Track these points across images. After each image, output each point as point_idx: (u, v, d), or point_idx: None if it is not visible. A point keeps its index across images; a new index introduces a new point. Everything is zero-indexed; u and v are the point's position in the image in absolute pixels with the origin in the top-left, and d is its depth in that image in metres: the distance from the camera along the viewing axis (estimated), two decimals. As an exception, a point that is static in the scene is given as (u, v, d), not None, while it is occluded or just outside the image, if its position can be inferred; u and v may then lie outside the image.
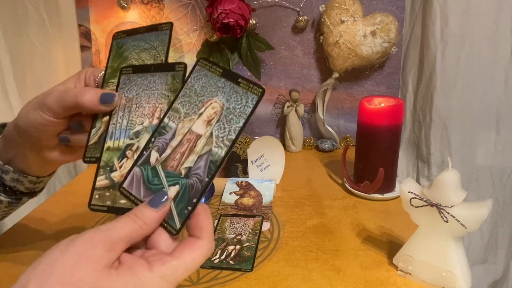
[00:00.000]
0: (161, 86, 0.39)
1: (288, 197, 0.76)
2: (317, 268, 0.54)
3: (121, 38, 0.45)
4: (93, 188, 0.39)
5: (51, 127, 0.43)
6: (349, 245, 0.59)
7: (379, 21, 0.87)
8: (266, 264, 0.55)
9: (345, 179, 0.79)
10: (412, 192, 0.49)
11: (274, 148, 0.82)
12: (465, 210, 0.46)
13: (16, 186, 0.49)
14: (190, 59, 0.98)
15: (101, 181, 0.39)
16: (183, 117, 0.36)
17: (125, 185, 0.36)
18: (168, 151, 0.35)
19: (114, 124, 0.40)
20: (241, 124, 0.33)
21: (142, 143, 0.37)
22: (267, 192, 0.73)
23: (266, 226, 0.65)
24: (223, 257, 0.57)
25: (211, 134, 0.34)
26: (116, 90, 0.41)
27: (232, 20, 0.86)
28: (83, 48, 0.99)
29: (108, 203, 0.38)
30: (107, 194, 0.38)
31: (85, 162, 0.42)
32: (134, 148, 0.38)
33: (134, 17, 0.98)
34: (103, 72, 0.45)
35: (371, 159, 0.74)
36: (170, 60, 0.40)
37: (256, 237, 0.61)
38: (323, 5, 0.91)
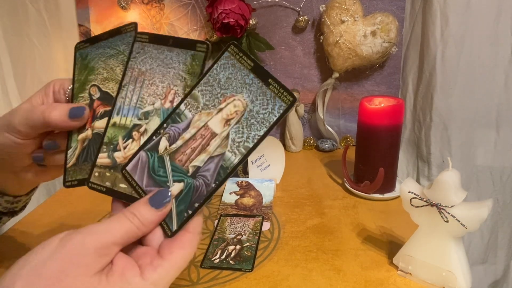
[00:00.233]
0: (178, 65, 0.35)
1: (288, 197, 0.76)
2: (317, 268, 0.54)
3: (84, 48, 0.42)
4: (94, 164, 0.37)
5: (22, 148, 0.40)
6: (349, 245, 0.59)
7: (379, 21, 0.87)
8: (266, 264, 0.55)
9: (345, 179, 0.79)
10: (412, 192, 0.49)
11: (274, 148, 0.82)
12: (465, 210, 0.46)
13: None
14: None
15: (103, 158, 0.36)
16: (201, 108, 0.33)
17: (128, 167, 0.34)
18: (179, 142, 0.33)
19: (123, 98, 0.37)
20: (261, 133, 0.30)
21: (150, 126, 0.35)
22: (267, 192, 0.73)
23: (266, 226, 0.65)
24: (223, 257, 0.57)
25: (228, 136, 0.31)
26: (128, 58, 0.38)
27: (232, 20, 0.86)
28: (83, 48, 0.99)
29: (108, 184, 0.36)
30: (108, 174, 0.36)
31: (66, 187, 0.39)
32: (142, 130, 0.35)
33: (134, 17, 0.98)
34: (71, 86, 0.41)
35: (371, 159, 0.74)
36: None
37: (256, 237, 0.61)
38: (323, 5, 0.91)
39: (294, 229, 0.64)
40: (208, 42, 0.34)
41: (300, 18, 0.95)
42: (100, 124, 0.38)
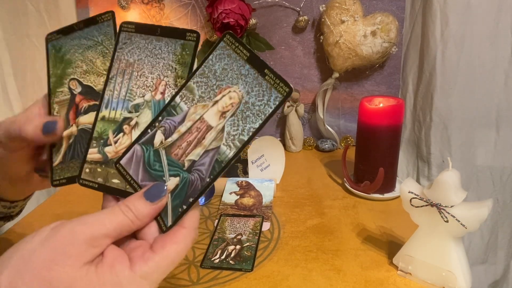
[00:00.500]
0: (168, 55, 0.34)
1: (288, 197, 0.76)
2: (317, 268, 0.54)
3: (57, 39, 0.40)
4: (84, 160, 0.36)
5: (11, 160, 0.38)
6: (349, 245, 0.59)
7: (379, 21, 0.87)
8: (266, 264, 0.55)
9: (345, 179, 0.79)
10: (412, 192, 0.49)
11: (274, 148, 0.82)
12: (465, 210, 0.46)
13: None
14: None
15: (93, 154, 0.35)
16: (196, 101, 0.32)
17: (122, 161, 0.33)
18: (175, 136, 0.32)
19: (111, 90, 0.36)
20: (257, 125, 0.30)
21: (141, 119, 0.34)
22: (267, 192, 0.73)
23: (266, 226, 0.65)
24: (223, 257, 0.57)
25: (223, 129, 0.31)
26: (115, 49, 0.36)
27: (232, 20, 0.86)
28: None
29: (100, 180, 0.35)
30: (99, 170, 0.35)
31: (54, 186, 0.38)
32: (133, 123, 0.34)
33: (134, 17, 0.98)
34: (46, 93, 0.40)
35: (371, 159, 0.74)
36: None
37: (256, 237, 0.61)
38: (323, 5, 0.91)
39: (294, 229, 0.64)
40: (197, 31, 0.34)
41: (300, 18, 0.95)
42: (85, 119, 0.37)
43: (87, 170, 0.36)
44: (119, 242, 0.31)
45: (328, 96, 0.98)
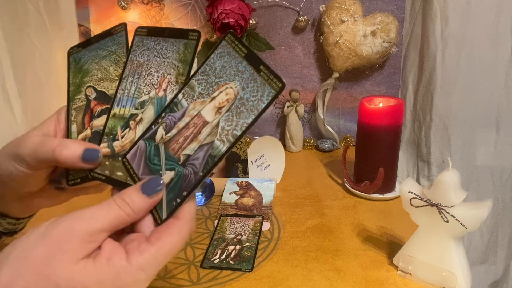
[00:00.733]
0: (172, 54, 0.36)
1: (288, 197, 0.76)
2: (317, 268, 0.54)
3: (77, 52, 0.43)
4: None
5: (30, 177, 0.38)
6: (349, 245, 0.59)
7: (379, 21, 0.87)
8: (266, 264, 0.55)
9: (345, 179, 0.79)
10: (412, 192, 0.49)
11: (274, 148, 0.82)
12: (465, 210, 0.46)
13: None
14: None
15: (103, 148, 0.37)
16: (196, 97, 0.33)
17: (128, 156, 0.35)
18: (174, 131, 0.33)
19: (122, 90, 0.38)
20: (250, 120, 0.30)
21: (146, 115, 0.36)
22: (267, 192, 0.73)
23: (266, 226, 0.65)
24: (223, 257, 0.57)
25: (218, 124, 0.31)
26: (129, 52, 0.39)
27: (232, 20, 0.86)
28: (83, 48, 0.99)
29: (107, 172, 0.37)
30: (107, 163, 0.37)
31: (69, 185, 0.39)
32: (138, 119, 0.36)
33: (134, 17, 0.98)
34: (65, 105, 0.42)
35: (371, 159, 0.74)
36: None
37: (256, 237, 0.61)
38: (323, 5, 0.91)
39: (294, 229, 0.64)
40: (199, 30, 0.35)
41: (300, 18, 0.95)
42: (98, 122, 0.39)
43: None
44: (116, 234, 0.31)
45: (328, 96, 0.98)
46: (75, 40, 0.98)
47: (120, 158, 0.36)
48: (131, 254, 0.29)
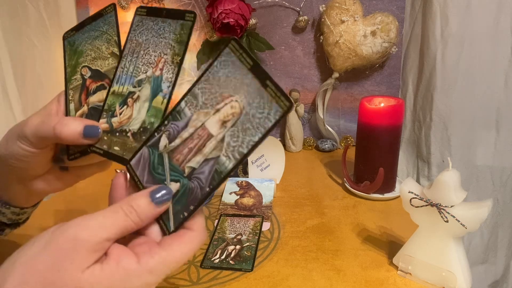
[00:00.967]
0: (169, 34, 0.37)
1: (288, 197, 0.76)
2: (317, 268, 0.54)
3: (71, 36, 0.45)
4: None
5: (35, 157, 0.39)
6: (349, 245, 0.59)
7: (379, 21, 0.87)
8: (266, 264, 0.55)
9: (345, 179, 0.79)
10: (412, 192, 0.49)
11: (274, 148, 0.82)
12: (465, 210, 0.46)
13: None
14: (190, 59, 0.98)
15: (102, 124, 0.39)
16: (199, 107, 0.32)
17: (132, 162, 0.35)
18: (178, 141, 0.33)
19: (122, 68, 0.39)
20: (256, 139, 0.29)
21: (143, 93, 0.37)
22: (267, 192, 0.73)
23: (266, 226, 0.65)
24: (223, 257, 0.57)
25: (223, 139, 0.30)
26: (129, 31, 0.40)
27: (232, 20, 0.86)
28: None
29: (105, 147, 0.38)
30: (105, 138, 0.38)
31: (70, 160, 0.41)
32: (135, 97, 0.38)
33: (134, 17, 0.98)
34: (63, 90, 0.44)
35: (371, 159, 0.74)
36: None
37: (256, 237, 0.61)
38: (323, 5, 0.91)
39: (294, 229, 0.64)
40: (195, 12, 0.36)
41: (300, 18, 0.95)
42: (94, 99, 0.41)
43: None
44: (122, 239, 0.31)
45: (328, 96, 0.98)
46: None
47: (125, 165, 0.37)
48: (142, 257, 0.29)
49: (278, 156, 0.83)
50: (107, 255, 0.29)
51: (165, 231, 0.32)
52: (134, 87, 0.38)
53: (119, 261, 0.28)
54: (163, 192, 0.31)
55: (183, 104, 0.34)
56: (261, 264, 0.55)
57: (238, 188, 0.75)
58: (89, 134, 0.37)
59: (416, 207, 0.49)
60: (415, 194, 0.49)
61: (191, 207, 0.31)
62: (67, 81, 0.44)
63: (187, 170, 0.32)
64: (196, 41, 0.98)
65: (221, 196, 0.74)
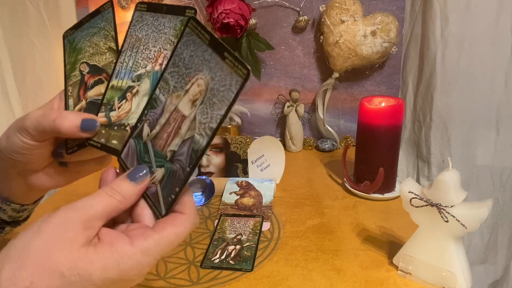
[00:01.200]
0: (169, 30, 0.37)
1: (288, 197, 0.76)
2: (317, 268, 0.54)
3: (71, 34, 0.45)
4: None
5: (34, 150, 0.40)
6: (349, 245, 0.59)
7: (379, 21, 0.87)
8: (266, 264, 0.55)
9: (345, 179, 0.79)
10: (412, 192, 0.49)
11: (274, 148, 0.82)
12: (465, 210, 0.46)
13: None
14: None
15: (101, 118, 0.39)
16: (171, 91, 0.34)
17: (122, 155, 0.36)
18: (157, 128, 0.34)
19: (121, 62, 0.40)
20: (222, 112, 0.29)
21: (142, 87, 0.37)
22: (267, 192, 0.73)
23: (266, 226, 0.65)
24: (223, 257, 0.57)
25: (195, 118, 0.31)
26: (129, 27, 0.40)
27: (232, 20, 0.86)
28: (83, 48, 1.00)
29: (103, 140, 0.38)
30: (103, 131, 0.39)
31: (68, 153, 0.41)
32: (134, 91, 0.38)
33: (134, 17, 0.98)
34: (63, 89, 0.44)
35: (371, 159, 0.74)
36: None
37: (256, 237, 0.61)
38: (323, 5, 0.91)
39: (294, 229, 0.64)
40: (195, 8, 0.36)
41: (300, 18, 0.95)
42: (92, 93, 0.41)
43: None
44: (115, 227, 0.32)
45: (328, 96, 0.98)
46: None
47: (117, 158, 0.37)
48: (135, 239, 0.29)
49: (278, 156, 0.83)
50: (100, 239, 0.29)
51: (158, 216, 0.33)
52: (133, 81, 0.38)
53: (113, 243, 0.29)
54: (138, 169, 0.33)
55: (157, 91, 0.35)
56: (261, 264, 0.55)
57: (238, 188, 0.75)
58: (86, 127, 0.38)
59: (416, 207, 0.49)
60: (415, 194, 0.49)
61: (177, 189, 0.32)
62: (66, 78, 0.44)
63: (168, 154, 0.33)
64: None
65: (221, 196, 0.74)
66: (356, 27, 0.88)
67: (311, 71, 1.00)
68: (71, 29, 0.45)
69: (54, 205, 0.73)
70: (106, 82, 0.40)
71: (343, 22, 0.88)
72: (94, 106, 0.41)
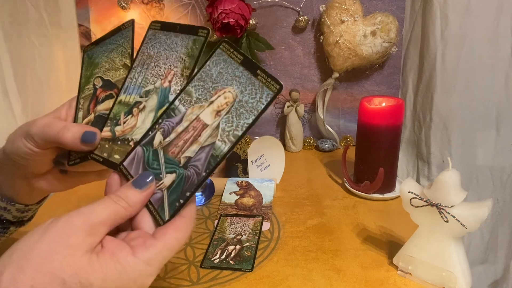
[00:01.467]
0: (181, 48, 0.38)
1: (288, 197, 0.76)
2: (317, 268, 0.54)
3: (91, 49, 0.46)
4: None
5: (37, 156, 0.41)
6: (349, 245, 0.59)
7: (379, 21, 0.87)
8: (266, 264, 0.55)
9: (345, 179, 0.79)
10: (412, 192, 0.49)
11: (274, 148, 0.82)
12: (465, 210, 0.46)
13: (3, 215, 0.46)
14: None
15: (105, 132, 0.40)
16: (194, 102, 0.35)
17: (125, 163, 0.36)
18: (172, 135, 0.35)
19: (131, 78, 0.40)
20: (250, 121, 0.32)
21: (149, 103, 0.38)
22: (267, 192, 0.73)
23: (266, 226, 0.65)
24: (223, 257, 0.57)
25: (218, 126, 0.33)
26: (141, 45, 0.41)
27: (232, 20, 0.86)
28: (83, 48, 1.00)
29: (105, 155, 0.39)
30: (106, 146, 0.39)
31: (69, 165, 0.42)
32: (141, 106, 0.38)
33: (134, 17, 0.97)
34: (75, 95, 0.45)
35: (371, 159, 0.74)
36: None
37: (256, 237, 0.61)
38: (323, 5, 0.91)
39: (294, 229, 0.64)
40: (208, 28, 0.37)
41: (300, 18, 0.95)
42: (101, 107, 0.42)
43: (98, 145, 0.39)
44: (117, 235, 0.32)
45: (328, 96, 0.98)
46: (75, 40, 0.98)
47: (117, 167, 0.37)
48: (137, 250, 0.29)
49: (278, 156, 0.83)
50: (104, 247, 0.29)
51: (159, 222, 0.33)
52: (141, 97, 0.39)
53: (114, 253, 0.29)
54: (144, 175, 0.33)
55: (177, 102, 0.36)
56: (261, 264, 0.55)
57: (238, 188, 0.75)
58: (86, 139, 0.38)
59: (416, 207, 0.49)
60: (415, 194, 0.49)
61: (187, 194, 0.32)
62: (80, 90, 0.45)
63: (182, 160, 0.33)
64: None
65: (221, 196, 0.74)
66: (356, 27, 0.88)
67: (311, 71, 1.00)
68: (92, 44, 0.46)
69: (54, 204, 0.73)
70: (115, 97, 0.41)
71: (343, 22, 0.88)
72: (101, 120, 0.41)
